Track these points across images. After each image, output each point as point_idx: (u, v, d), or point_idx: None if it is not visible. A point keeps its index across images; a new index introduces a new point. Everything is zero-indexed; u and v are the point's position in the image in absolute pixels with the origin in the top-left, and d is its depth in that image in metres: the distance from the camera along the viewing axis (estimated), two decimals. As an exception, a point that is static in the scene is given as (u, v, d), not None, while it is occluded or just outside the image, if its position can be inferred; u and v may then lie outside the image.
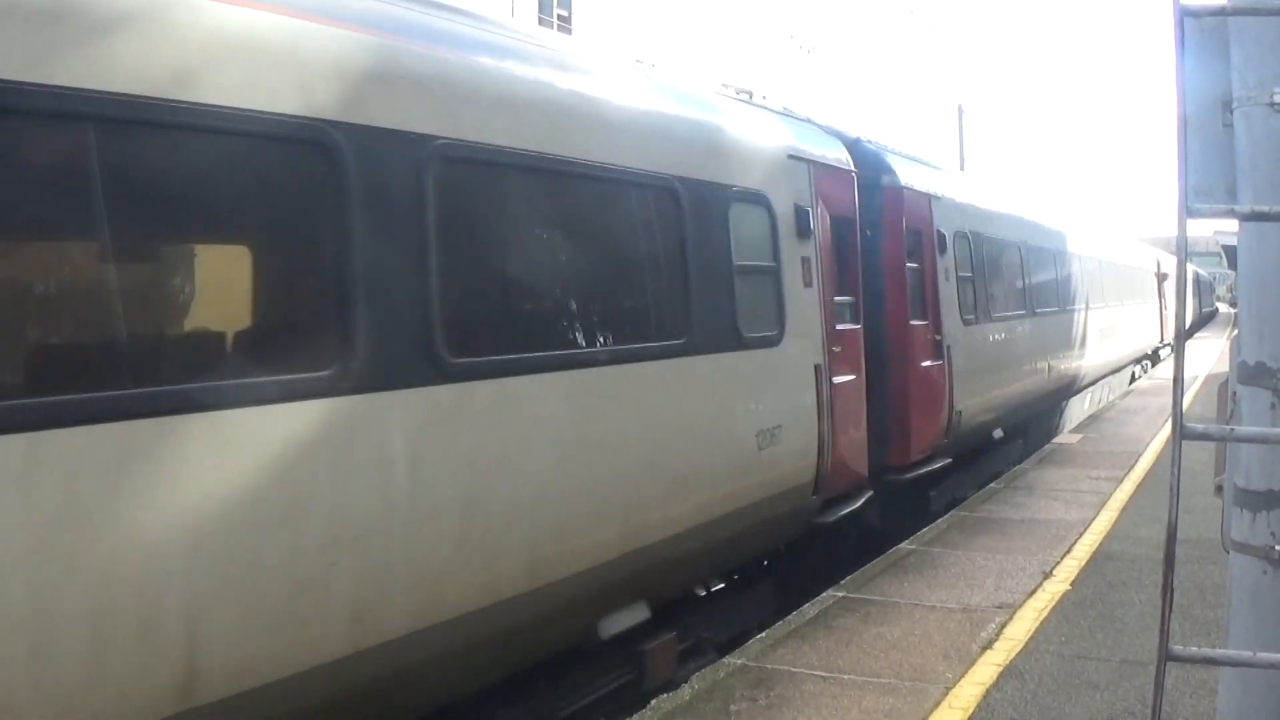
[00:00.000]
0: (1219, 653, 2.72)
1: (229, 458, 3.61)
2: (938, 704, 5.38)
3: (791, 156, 7.85)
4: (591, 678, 5.95)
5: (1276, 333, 2.81)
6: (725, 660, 6.09)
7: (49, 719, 3.12)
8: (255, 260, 4.12)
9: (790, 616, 6.93)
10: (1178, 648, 2.49)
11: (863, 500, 8.61)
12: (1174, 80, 2.71)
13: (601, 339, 5.56)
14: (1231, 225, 3.25)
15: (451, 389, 4.51)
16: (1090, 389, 20.49)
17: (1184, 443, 2.53)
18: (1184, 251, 2.53)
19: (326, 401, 3.95)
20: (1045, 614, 6.79)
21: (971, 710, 5.29)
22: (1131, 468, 12.25)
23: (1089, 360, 18.88)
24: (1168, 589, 2.49)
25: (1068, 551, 8.40)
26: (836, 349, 8.16)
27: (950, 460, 10.95)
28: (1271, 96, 2.82)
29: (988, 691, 5.51)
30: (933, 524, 9.62)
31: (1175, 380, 2.49)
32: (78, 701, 3.18)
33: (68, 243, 3.55)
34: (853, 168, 9.11)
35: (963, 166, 35.59)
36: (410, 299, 4.36)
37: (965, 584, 7.55)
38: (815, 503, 7.82)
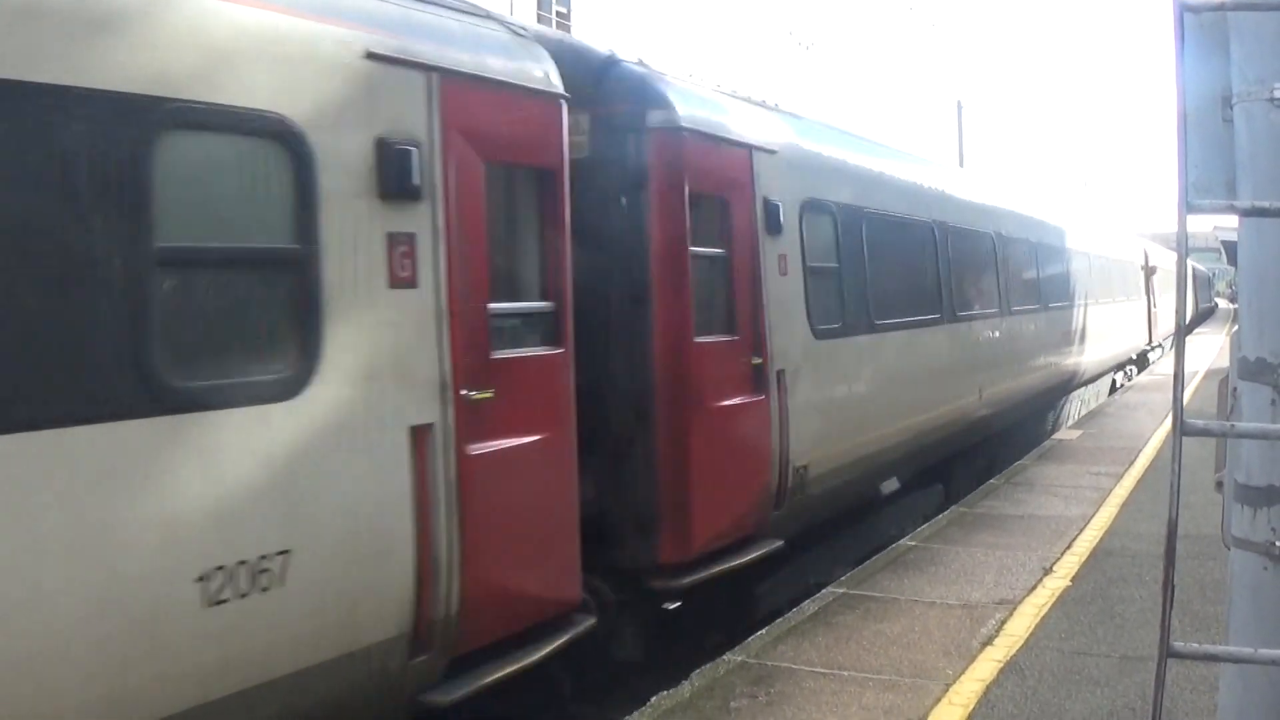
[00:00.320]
0: (1220, 649, 2.72)
1: None
2: (938, 700, 5.38)
3: (378, 57, 4.59)
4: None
5: (1277, 329, 2.80)
6: (725, 657, 6.09)
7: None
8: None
9: (790, 613, 6.94)
10: (1179, 644, 2.49)
11: (554, 646, 5.39)
12: (1174, 76, 2.70)
13: None
14: (1231, 221, 3.25)
15: None
16: (1060, 404, 17.98)
17: (1184, 439, 2.53)
18: (1184, 247, 2.53)
19: None
20: (1045, 610, 6.79)
21: (972, 706, 5.29)
22: (1131, 463, 12.26)
23: (1048, 373, 15.58)
24: (1168, 585, 2.49)
25: (1068, 547, 8.41)
26: (487, 394, 5.02)
27: (782, 543, 7.54)
28: (1272, 92, 2.81)
29: (988, 688, 5.52)
30: (932, 520, 9.62)
31: (1175, 376, 2.49)
32: None
33: None
34: (558, 89, 5.67)
35: (962, 163, 35.49)
36: None
37: (965, 580, 7.55)
38: (421, 670, 4.75)
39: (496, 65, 5.30)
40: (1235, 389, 2.96)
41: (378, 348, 4.53)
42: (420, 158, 4.70)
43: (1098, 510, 9.75)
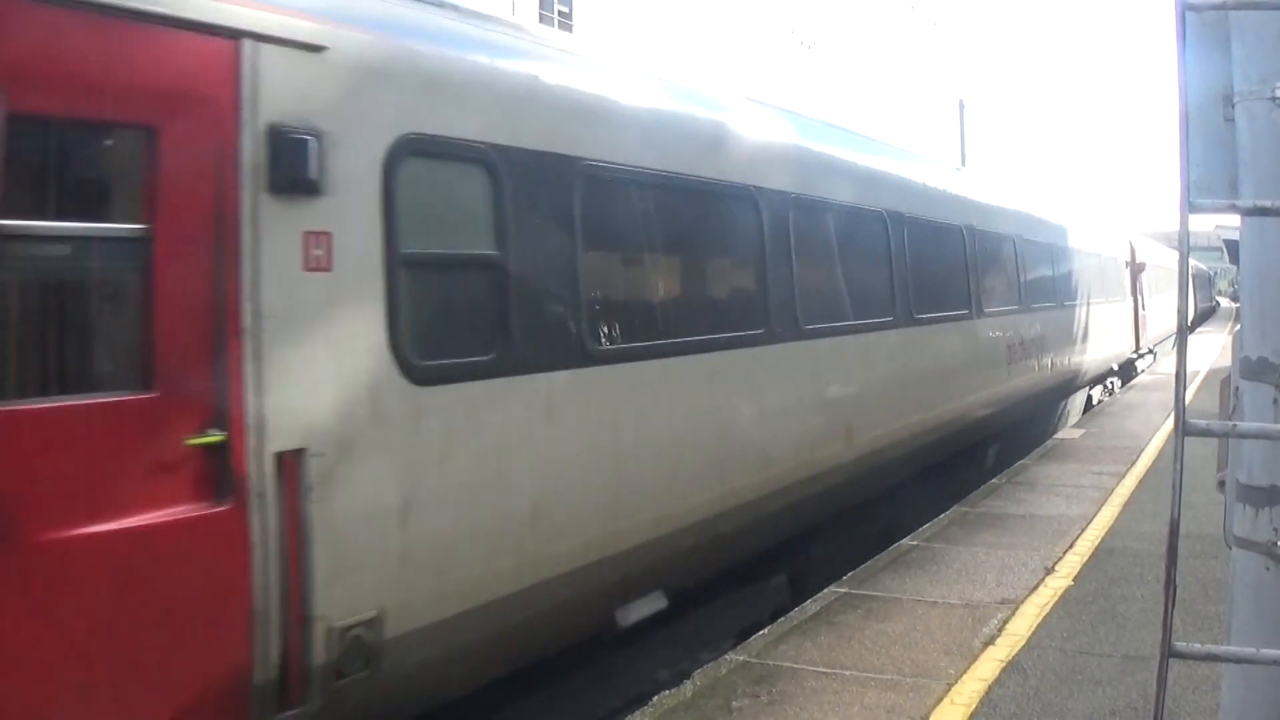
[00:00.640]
0: (1221, 649, 2.71)
1: None
2: (940, 700, 5.38)
3: None
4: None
5: (1278, 328, 2.80)
6: (727, 657, 6.09)
7: None
8: None
9: (792, 613, 6.93)
10: (1180, 644, 2.49)
11: None
12: (1175, 75, 2.70)
13: None
14: (1233, 220, 3.25)
15: None
16: (992, 443, 13.37)
17: (1186, 438, 2.52)
18: (1186, 246, 2.52)
19: None
20: (1047, 609, 6.79)
21: (974, 706, 5.29)
22: (1133, 463, 12.25)
23: (978, 400, 11.79)
24: (1170, 585, 2.49)
25: (1070, 547, 8.40)
26: None
27: None
28: (1274, 91, 2.81)
29: (990, 687, 5.51)
30: (934, 520, 9.61)
31: (1177, 376, 2.49)
32: None
33: None
34: None
35: (964, 162, 35.46)
36: None
37: (967, 579, 7.55)
38: None
39: None
40: (1237, 388, 2.95)
41: None
42: None
43: (1100, 509, 9.74)
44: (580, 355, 5.61)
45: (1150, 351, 27.97)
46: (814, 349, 7.95)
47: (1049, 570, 7.73)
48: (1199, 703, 5.07)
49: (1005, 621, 6.57)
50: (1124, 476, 11.40)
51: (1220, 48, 2.96)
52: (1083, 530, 8.95)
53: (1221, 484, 3.09)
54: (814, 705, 5.35)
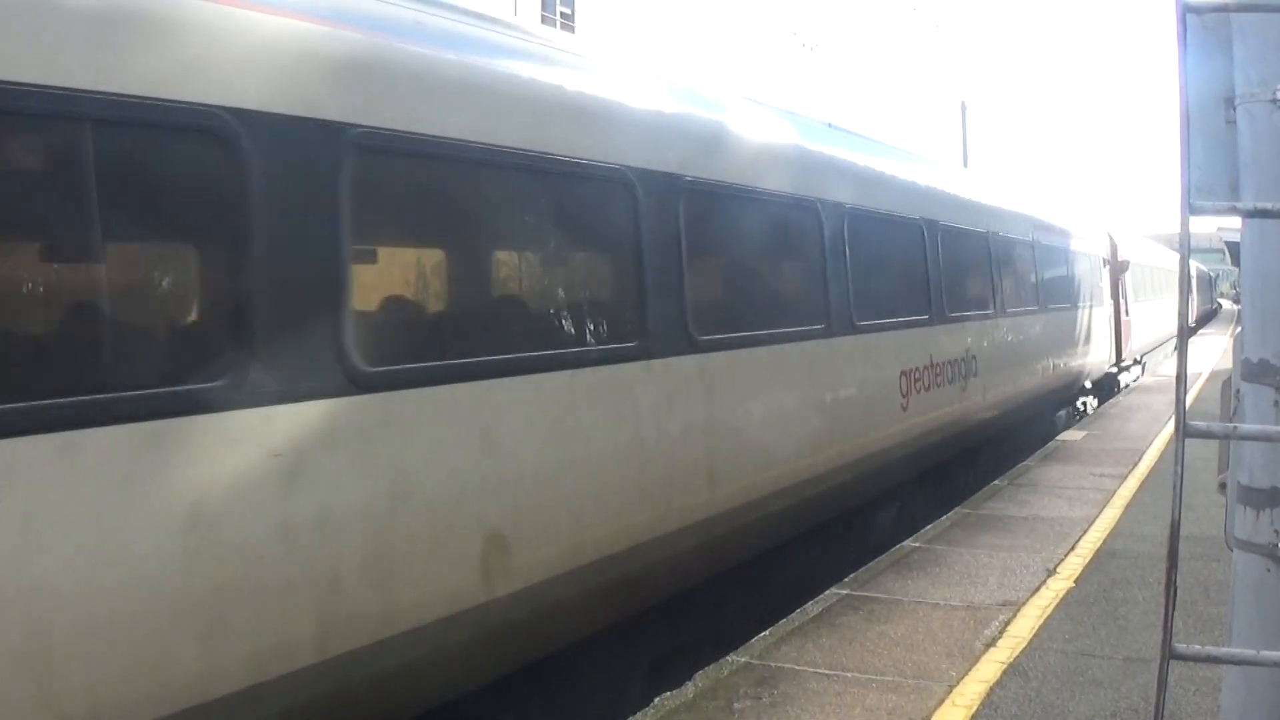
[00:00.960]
0: (1222, 651, 2.72)
1: None
2: (941, 702, 5.38)
3: None
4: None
5: (1279, 330, 2.81)
6: (729, 658, 6.09)
7: None
8: None
9: (794, 614, 6.93)
10: (1181, 646, 2.49)
11: None
12: (1176, 77, 2.71)
13: None
14: (1235, 222, 3.25)
15: None
16: (891, 506, 10.10)
17: (1188, 440, 2.53)
18: (1187, 248, 2.52)
19: None
20: (1049, 611, 6.79)
21: (975, 708, 5.29)
22: (1135, 465, 12.24)
23: (884, 435, 9.10)
24: (1171, 587, 2.49)
25: (1071, 549, 8.39)
26: None
27: None
28: (1275, 93, 2.81)
29: (991, 689, 5.51)
30: (936, 522, 9.61)
31: (1178, 378, 2.49)
32: None
33: None
34: None
35: (966, 163, 35.44)
36: None
37: (969, 581, 7.55)
38: None
39: None
40: (1238, 390, 2.96)
41: None
42: None
43: (1101, 511, 9.74)
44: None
45: (1138, 362, 25.26)
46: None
47: (1051, 572, 7.72)
48: (1200, 704, 5.07)
49: (1007, 623, 6.57)
50: (1126, 478, 11.39)
51: (1222, 50, 2.97)
52: (1084, 532, 8.94)
53: (1222, 486, 3.10)
54: (815, 707, 5.35)
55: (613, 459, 5.64)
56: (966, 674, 5.75)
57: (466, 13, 5.32)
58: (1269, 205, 2.58)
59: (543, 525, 5.12)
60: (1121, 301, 21.51)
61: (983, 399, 11.77)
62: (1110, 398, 20.25)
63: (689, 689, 5.63)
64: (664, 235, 6.20)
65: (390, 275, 5.14)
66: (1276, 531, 2.73)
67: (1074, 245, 17.23)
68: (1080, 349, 17.08)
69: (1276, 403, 2.75)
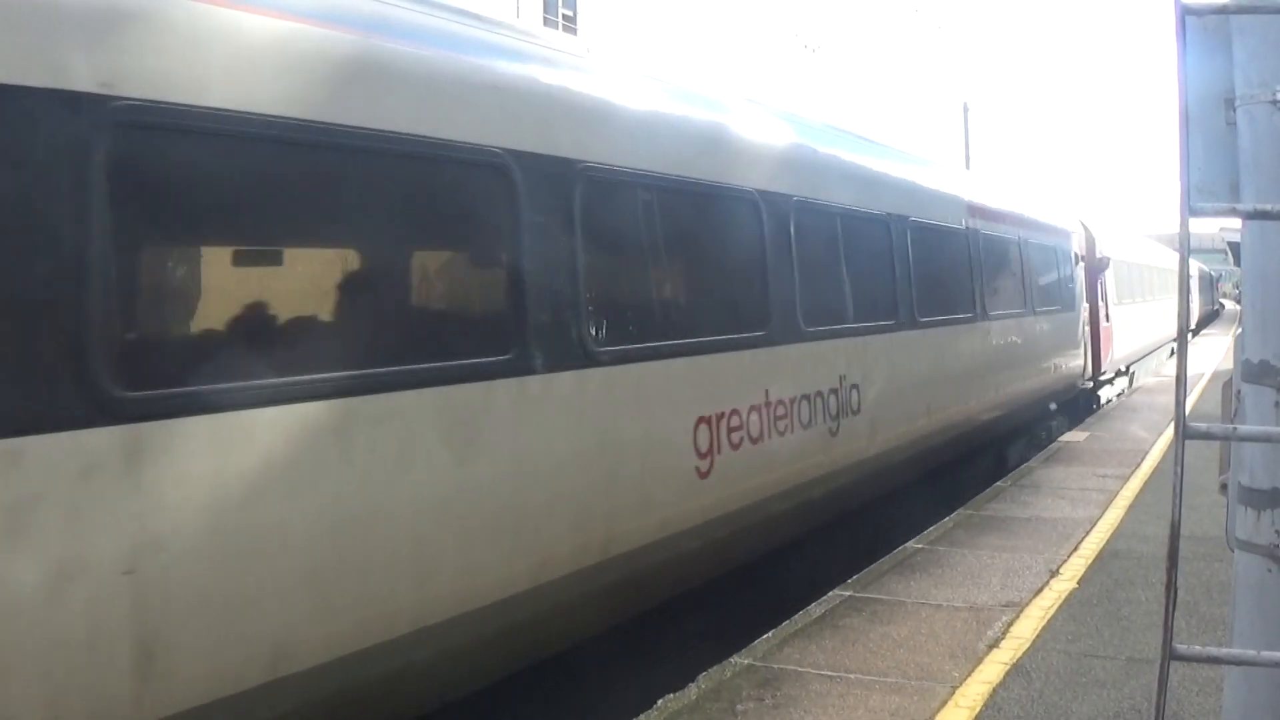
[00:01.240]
0: (1223, 651, 2.72)
1: None
2: (944, 703, 5.38)
3: None
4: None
5: (1280, 331, 2.81)
6: (732, 660, 6.10)
7: None
8: None
9: (796, 616, 6.93)
10: (1181, 646, 2.50)
11: None
12: (1175, 78, 2.71)
13: None
14: (1237, 222, 3.26)
15: None
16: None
17: (1189, 441, 2.53)
18: (1186, 248, 2.53)
19: None
20: (1052, 612, 6.79)
21: (978, 709, 5.29)
22: (1138, 466, 12.24)
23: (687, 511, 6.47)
24: (1171, 587, 2.50)
25: (1074, 550, 8.39)
26: None
27: None
28: (1275, 94, 2.82)
29: (994, 690, 5.51)
30: (939, 523, 9.61)
31: (1178, 379, 2.49)
32: None
33: None
34: None
35: (968, 165, 35.44)
36: None
37: (972, 583, 7.55)
38: None
39: None
40: (1239, 391, 2.96)
41: None
42: None
43: (1104, 512, 9.74)
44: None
45: (1123, 373, 22.28)
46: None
47: (1053, 573, 7.72)
48: (1203, 705, 5.07)
49: (1010, 624, 6.57)
50: (1128, 479, 11.39)
51: (1222, 51, 2.97)
52: (1087, 533, 8.94)
53: (1223, 487, 3.10)
54: (818, 708, 5.35)
55: None
56: (970, 675, 5.75)
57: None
58: (1269, 207, 2.58)
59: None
60: (1101, 304, 18.88)
61: (868, 444, 8.72)
62: (1089, 416, 17.48)
63: (692, 691, 5.64)
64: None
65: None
66: (1277, 532, 2.74)
67: (1032, 237, 14.31)
68: (1041, 364, 14.29)
69: (1277, 403, 2.76)
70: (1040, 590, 7.31)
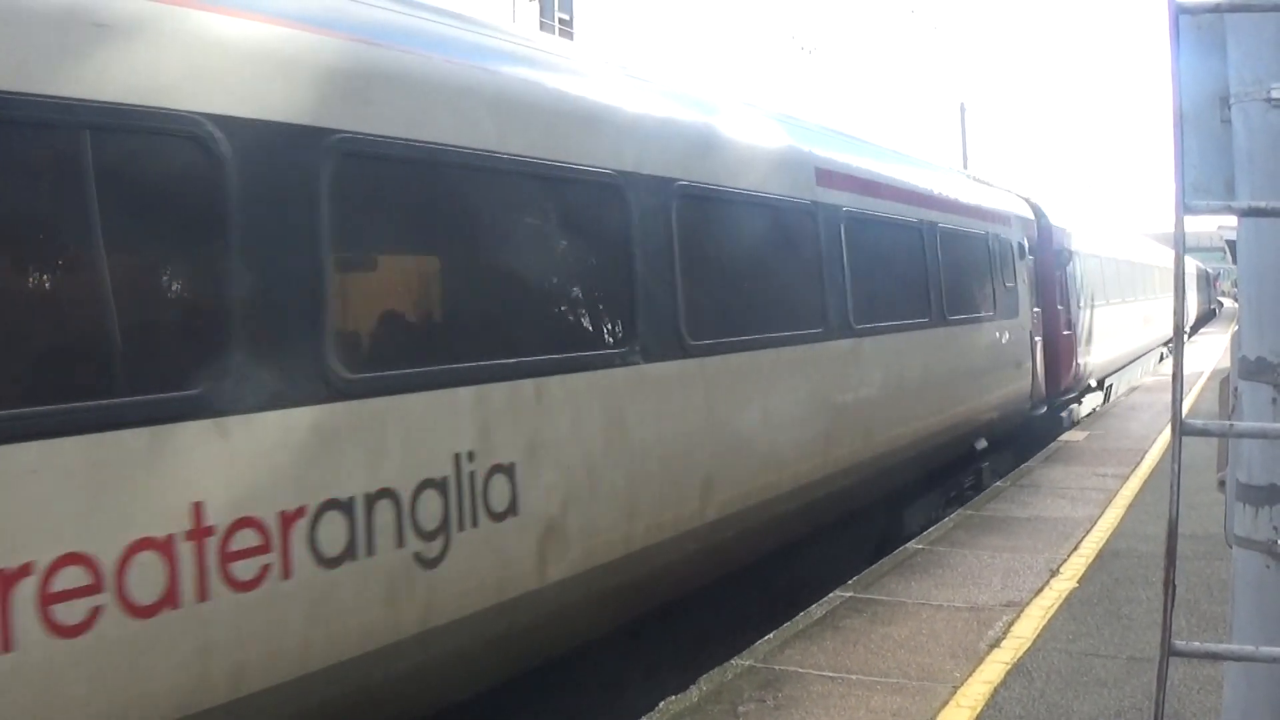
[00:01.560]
0: (1221, 647, 2.73)
1: None
2: (946, 703, 5.39)
3: None
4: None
5: (1277, 328, 2.82)
6: (733, 662, 6.10)
7: None
8: None
9: (798, 617, 6.94)
10: (1180, 642, 2.50)
11: None
12: (1170, 77, 2.72)
13: None
14: (1235, 221, 3.27)
15: None
16: None
17: (1188, 439, 2.54)
18: (1181, 247, 2.54)
19: None
20: (1052, 612, 6.79)
21: (979, 709, 5.29)
22: (1138, 465, 12.24)
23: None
24: (1169, 584, 2.50)
25: (1074, 549, 8.40)
26: None
27: None
28: (1269, 92, 2.83)
29: (995, 690, 5.52)
30: (939, 523, 9.62)
31: (1174, 376, 2.50)
32: None
33: None
34: None
35: (966, 165, 35.47)
36: None
37: (972, 583, 7.55)
38: None
39: None
40: (1236, 388, 2.97)
41: None
42: None
43: (1104, 512, 9.74)
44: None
45: (1095, 388, 18.98)
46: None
47: (1054, 573, 7.73)
48: (1204, 703, 5.07)
49: (1010, 624, 6.58)
50: (1128, 478, 11.39)
51: (1216, 49, 2.98)
52: (1087, 532, 8.94)
53: (1222, 483, 3.11)
54: (820, 709, 5.36)
55: None
56: (971, 675, 5.75)
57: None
58: (1264, 204, 2.59)
59: None
60: (1061, 308, 15.43)
61: (536, 564, 5.20)
62: (1051, 446, 13.87)
63: (693, 693, 5.64)
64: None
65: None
66: (1275, 528, 2.74)
67: (946, 221, 10.84)
68: (954, 391, 10.79)
69: (1274, 400, 2.77)
70: (1041, 590, 7.31)
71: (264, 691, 3.91)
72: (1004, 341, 12.63)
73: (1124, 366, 22.16)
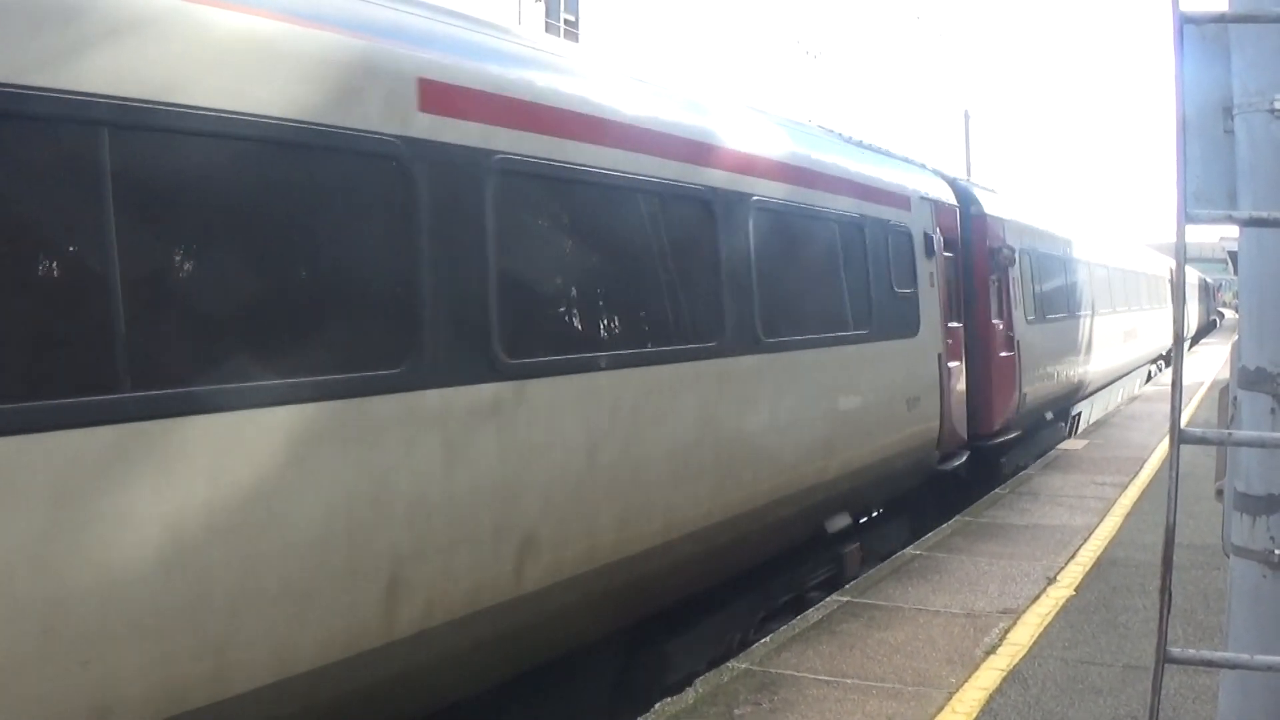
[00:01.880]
0: (1216, 655, 2.73)
1: None
2: (941, 709, 5.39)
3: None
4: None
5: (1276, 338, 2.82)
6: (729, 664, 6.11)
7: None
8: None
9: (794, 621, 6.95)
10: (1175, 650, 2.51)
11: None
12: (1174, 86, 2.73)
13: None
14: (1237, 231, 3.27)
15: None
16: None
17: (1187, 448, 2.55)
18: (1183, 256, 2.54)
19: None
20: (1049, 619, 6.80)
21: (975, 715, 5.30)
22: (1136, 473, 12.25)
23: None
24: (1165, 592, 2.51)
25: (1072, 557, 8.40)
26: None
27: None
28: (1272, 103, 2.83)
29: (991, 696, 5.52)
30: (937, 529, 9.62)
31: (1174, 385, 2.51)
32: None
33: None
34: None
35: (969, 172, 35.46)
36: None
37: (969, 589, 7.56)
38: None
39: None
40: (1235, 398, 2.97)
41: None
42: None
43: (1102, 520, 9.75)
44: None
45: (1050, 420, 15.57)
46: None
47: (1051, 580, 7.73)
48: (1199, 713, 5.07)
49: (1007, 631, 6.58)
50: (1127, 487, 11.40)
51: (1220, 59, 2.99)
52: (1085, 540, 8.95)
53: (1220, 493, 3.11)
54: (816, 713, 5.36)
55: None
56: (966, 681, 5.76)
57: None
58: (1265, 214, 2.60)
59: None
60: (999, 323, 12.51)
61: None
62: (973, 507, 10.55)
63: (689, 695, 5.65)
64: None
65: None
66: (1272, 538, 2.75)
67: (795, 197, 7.89)
68: (786, 454, 7.47)
69: (1273, 410, 2.77)
70: (1038, 597, 7.32)
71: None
72: (887, 371, 9.27)
73: (1096, 391, 18.55)
